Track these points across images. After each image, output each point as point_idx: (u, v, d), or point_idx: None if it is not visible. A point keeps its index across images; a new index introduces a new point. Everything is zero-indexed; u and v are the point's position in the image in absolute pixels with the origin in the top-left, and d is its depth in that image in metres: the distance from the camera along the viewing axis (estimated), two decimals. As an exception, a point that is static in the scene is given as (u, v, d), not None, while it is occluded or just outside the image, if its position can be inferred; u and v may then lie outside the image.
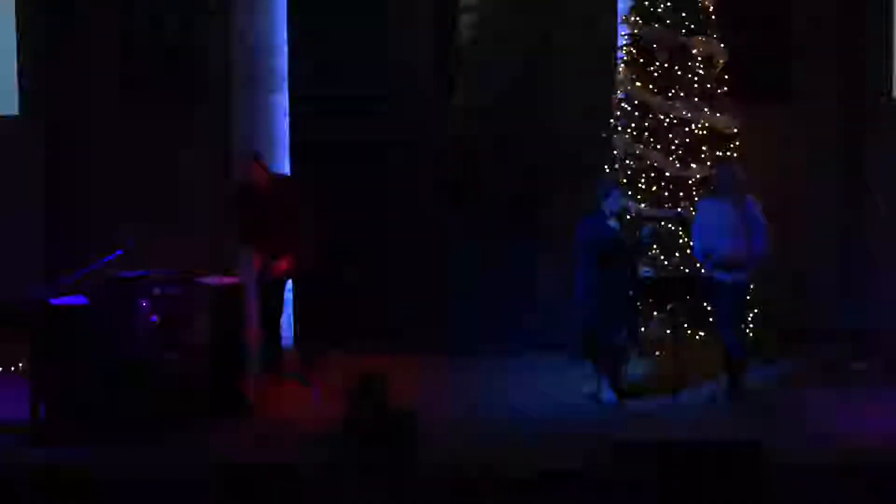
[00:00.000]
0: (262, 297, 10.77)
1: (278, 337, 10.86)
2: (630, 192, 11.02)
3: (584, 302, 10.20)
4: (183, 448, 9.10)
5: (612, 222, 10.19)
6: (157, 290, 9.71)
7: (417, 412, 8.19)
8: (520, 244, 12.06)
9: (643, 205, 11.09)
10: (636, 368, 10.67)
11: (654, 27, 11.28)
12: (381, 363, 11.33)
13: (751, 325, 11.15)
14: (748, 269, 10.24)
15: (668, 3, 11.24)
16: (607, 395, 10.19)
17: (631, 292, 10.30)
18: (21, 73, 11.77)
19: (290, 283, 11.03)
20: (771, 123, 11.96)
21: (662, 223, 11.06)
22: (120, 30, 12.05)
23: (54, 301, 9.47)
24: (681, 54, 11.25)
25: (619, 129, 11.37)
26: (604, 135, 11.48)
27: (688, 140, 11.19)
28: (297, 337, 11.50)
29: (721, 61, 11.32)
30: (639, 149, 11.25)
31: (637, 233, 10.46)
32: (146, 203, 11.82)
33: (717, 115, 11.23)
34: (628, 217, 10.71)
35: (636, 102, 11.30)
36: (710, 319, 10.98)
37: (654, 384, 10.57)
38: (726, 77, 11.34)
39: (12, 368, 11.13)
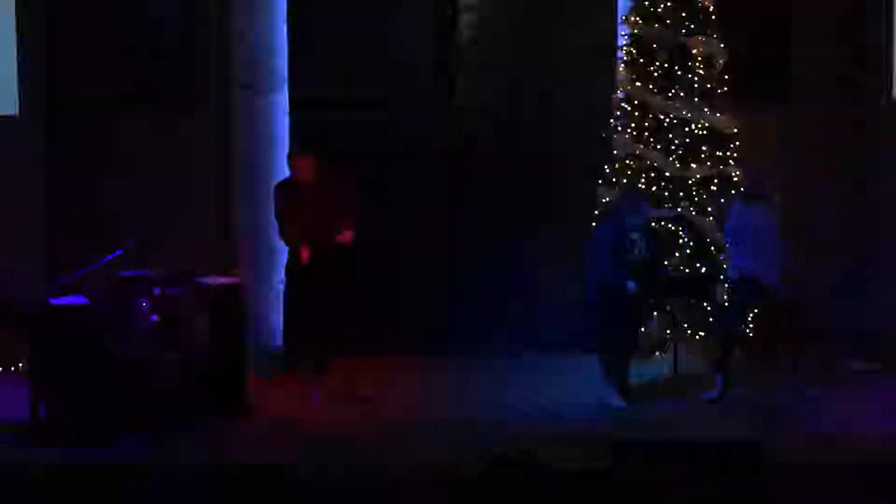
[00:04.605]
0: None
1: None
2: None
3: (596, 303, 10.25)
4: (183, 448, 9.10)
5: (635, 234, 10.21)
6: (157, 290, 9.71)
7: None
8: (520, 244, 12.06)
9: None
10: (637, 369, 10.66)
11: (654, 27, 11.28)
12: (380, 364, 11.39)
13: (751, 325, 11.15)
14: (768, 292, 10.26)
15: (668, 3, 11.24)
16: (616, 399, 10.16)
17: (643, 297, 10.34)
18: (21, 73, 11.77)
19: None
20: (771, 123, 11.96)
21: (662, 223, 11.06)
22: (120, 30, 12.05)
23: (54, 301, 9.46)
24: (681, 54, 11.25)
25: (619, 129, 11.37)
26: (604, 135, 11.49)
27: (688, 140, 11.19)
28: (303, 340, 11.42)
29: (721, 61, 11.32)
30: (639, 149, 11.26)
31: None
32: (146, 203, 11.82)
33: (717, 115, 11.23)
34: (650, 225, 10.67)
35: (636, 102, 11.30)
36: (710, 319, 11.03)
37: (654, 384, 10.58)
38: (726, 77, 11.34)
39: (12, 368, 11.14)
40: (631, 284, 10.10)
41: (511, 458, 6.31)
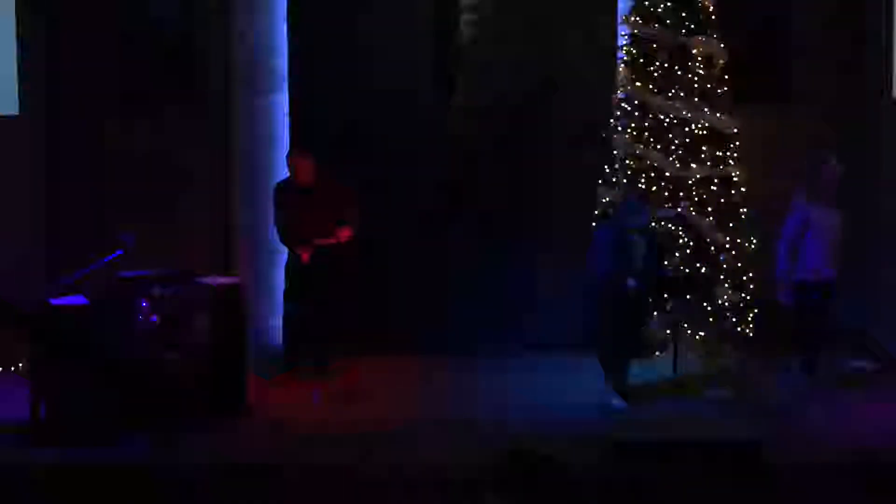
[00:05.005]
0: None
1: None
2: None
3: (596, 304, 10.25)
4: (183, 448, 9.10)
5: (635, 236, 10.21)
6: (157, 290, 9.71)
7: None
8: (520, 244, 12.06)
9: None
10: (637, 369, 10.66)
11: (654, 27, 11.28)
12: (380, 364, 11.39)
13: (750, 325, 11.16)
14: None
15: (668, 3, 11.24)
16: (616, 400, 10.15)
17: (641, 299, 10.34)
18: (21, 73, 11.77)
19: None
20: (771, 123, 11.96)
21: (662, 223, 11.06)
22: (120, 30, 12.05)
23: (54, 301, 9.47)
24: (681, 54, 11.24)
25: (619, 129, 11.37)
26: (604, 135, 11.49)
27: (688, 140, 11.18)
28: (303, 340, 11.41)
29: (721, 61, 11.32)
30: (639, 149, 11.25)
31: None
32: (146, 203, 11.82)
33: (717, 115, 11.22)
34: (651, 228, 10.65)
35: (636, 102, 11.30)
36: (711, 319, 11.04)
37: (654, 384, 10.58)
38: (726, 77, 11.33)
39: (12, 368, 11.14)
40: (631, 281, 10.10)
41: (525, 451, 6.29)
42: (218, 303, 9.97)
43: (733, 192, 11.20)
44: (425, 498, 8.21)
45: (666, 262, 10.84)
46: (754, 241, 11.18)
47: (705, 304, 11.05)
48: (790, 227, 10.34)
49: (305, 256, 10.77)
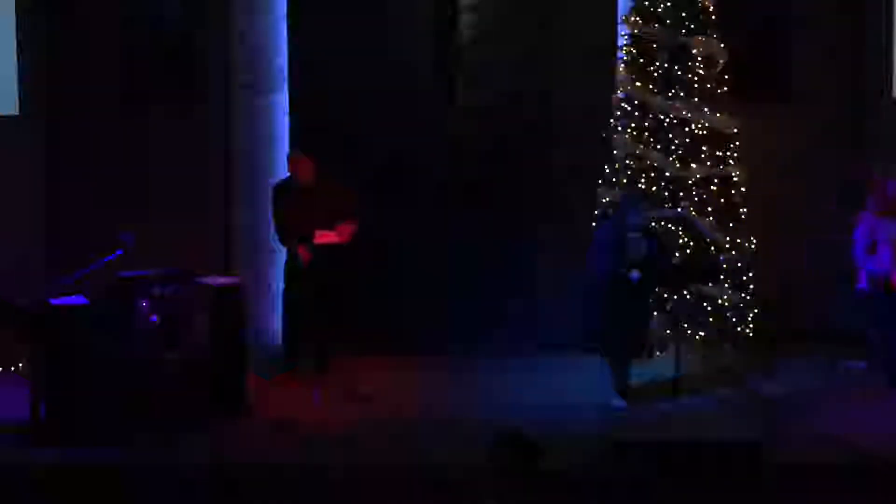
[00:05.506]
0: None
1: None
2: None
3: (595, 305, 10.24)
4: (183, 448, 9.10)
5: (633, 234, 10.20)
6: (157, 290, 9.72)
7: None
8: (520, 244, 12.06)
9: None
10: (637, 369, 10.66)
11: (654, 27, 11.29)
12: (380, 364, 11.39)
13: (750, 325, 11.16)
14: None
15: (668, 3, 11.25)
16: (616, 400, 10.15)
17: (642, 297, 10.34)
18: (21, 73, 11.77)
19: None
20: (771, 123, 11.96)
21: (662, 223, 11.07)
22: (120, 30, 12.05)
23: (54, 301, 9.47)
24: (681, 54, 11.25)
25: (619, 129, 11.37)
26: (604, 135, 11.49)
27: (688, 140, 11.20)
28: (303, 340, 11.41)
29: (721, 61, 11.33)
30: (639, 149, 11.26)
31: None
32: (146, 203, 11.82)
33: (717, 115, 11.24)
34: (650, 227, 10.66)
35: (636, 102, 11.31)
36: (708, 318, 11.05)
37: (654, 385, 10.58)
38: (726, 77, 11.34)
39: (12, 368, 11.14)
40: (635, 273, 10.08)
41: (519, 438, 6.30)
42: (218, 303, 9.97)
43: (733, 192, 11.21)
44: (425, 498, 8.21)
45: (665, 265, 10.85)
46: (754, 241, 11.20)
47: (706, 304, 11.05)
48: (860, 239, 10.45)
49: (304, 256, 10.77)
